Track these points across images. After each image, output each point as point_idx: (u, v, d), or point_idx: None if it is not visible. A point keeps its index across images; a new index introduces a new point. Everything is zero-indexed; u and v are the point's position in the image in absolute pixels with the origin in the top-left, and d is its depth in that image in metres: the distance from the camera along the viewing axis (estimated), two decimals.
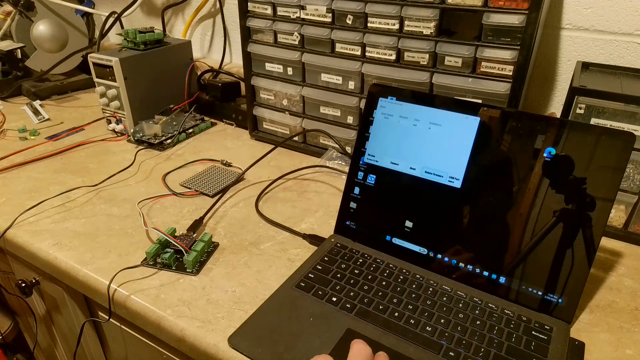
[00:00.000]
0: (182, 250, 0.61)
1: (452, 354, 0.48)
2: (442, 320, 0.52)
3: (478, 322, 0.51)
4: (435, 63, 0.73)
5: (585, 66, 0.74)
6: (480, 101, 0.71)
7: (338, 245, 0.63)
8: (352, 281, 0.57)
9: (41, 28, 1.17)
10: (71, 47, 1.22)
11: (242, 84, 1.04)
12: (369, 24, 0.76)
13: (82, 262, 0.62)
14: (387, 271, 0.59)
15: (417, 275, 0.58)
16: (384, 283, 0.57)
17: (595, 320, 0.54)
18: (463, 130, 0.57)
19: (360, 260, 0.60)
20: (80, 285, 0.61)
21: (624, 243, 0.67)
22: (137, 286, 0.57)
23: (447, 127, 0.58)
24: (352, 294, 0.55)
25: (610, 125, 0.62)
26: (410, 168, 0.60)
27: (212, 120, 1.08)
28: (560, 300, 0.52)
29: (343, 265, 0.59)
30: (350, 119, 0.85)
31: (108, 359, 0.78)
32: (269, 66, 0.90)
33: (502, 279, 0.55)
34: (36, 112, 1.07)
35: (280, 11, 0.84)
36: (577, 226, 0.51)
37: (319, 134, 0.90)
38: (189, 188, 0.79)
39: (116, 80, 0.94)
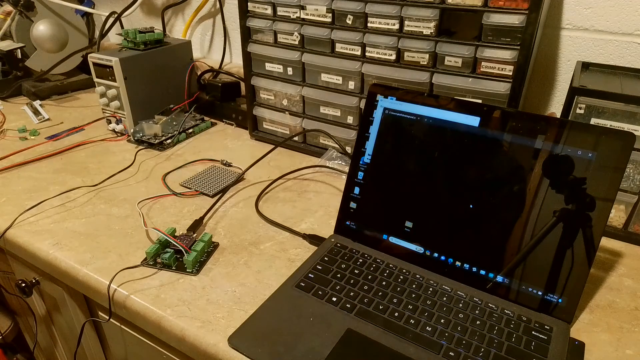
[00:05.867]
0: (182, 250, 0.61)
1: (452, 354, 0.48)
2: (442, 320, 0.52)
3: (478, 322, 0.51)
4: (435, 63, 0.73)
5: (585, 66, 0.74)
6: (480, 101, 0.71)
7: (338, 245, 0.63)
8: (352, 281, 0.57)
9: (41, 28, 1.17)
10: (71, 47, 1.22)
11: (242, 84, 1.04)
12: (369, 24, 0.76)
13: (82, 262, 0.62)
14: (387, 271, 0.59)
15: (417, 275, 0.58)
16: (384, 283, 0.57)
17: (595, 320, 0.54)
18: (463, 130, 0.57)
19: (360, 260, 0.60)
20: (80, 285, 0.61)
21: (624, 243, 0.67)
22: (137, 286, 0.57)
23: (447, 127, 0.58)
24: (352, 294, 0.55)
25: (610, 125, 0.62)
26: None
27: (212, 120, 1.08)
28: (560, 300, 0.52)
29: (343, 265, 0.59)
30: (350, 119, 0.85)
31: (108, 359, 0.78)
32: (269, 66, 0.90)
33: (502, 279, 0.55)
34: (36, 112, 1.07)
35: (280, 11, 0.84)
36: (577, 226, 0.51)
37: (319, 134, 0.90)
38: (189, 188, 0.79)
39: (116, 80, 0.94)
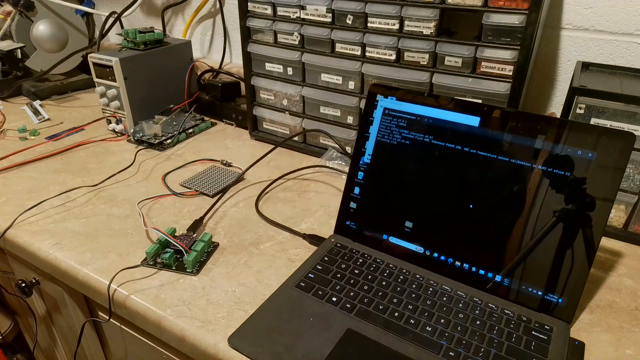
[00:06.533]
0: (182, 250, 0.61)
1: (452, 354, 0.48)
2: (442, 320, 0.52)
3: (478, 322, 0.51)
4: (435, 63, 0.73)
5: (585, 66, 0.74)
6: (480, 101, 0.71)
7: (338, 245, 0.63)
8: (352, 281, 0.57)
9: (41, 28, 1.17)
10: (71, 47, 1.22)
11: (242, 84, 1.04)
12: (369, 24, 0.76)
13: (82, 262, 0.62)
14: (387, 271, 0.59)
15: (417, 275, 0.58)
16: (384, 283, 0.57)
17: (595, 320, 0.54)
18: (463, 130, 0.57)
19: (360, 260, 0.60)
20: (80, 285, 0.61)
21: (624, 243, 0.67)
22: (137, 286, 0.57)
23: (447, 127, 0.58)
24: (352, 294, 0.55)
25: (610, 125, 0.62)
26: None
27: (212, 120, 1.08)
28: (560, 300, 0.52)
29: (343, 265, 0.59)
30: (350, 119, 0.85)
31: (108, 359, 0.78)
32: (269, 66, 0.90)
33: (502, 279, 0.55)
34: (36, 112, 1.07)
35: (280, 11, 0.84)
36: (577, 226, 0.51)
37: (319, 134, 0.90)
38: (189, 188, 0.79)
39: (116, 80, 0.94)
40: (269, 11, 0.85)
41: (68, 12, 1.20)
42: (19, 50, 1.15)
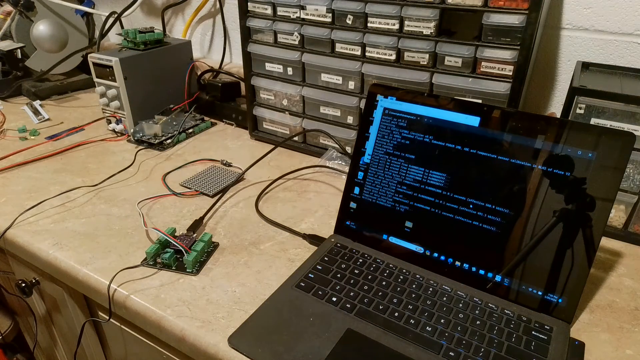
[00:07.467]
0: (182, 250, 0.61)
1: (452, 354, 0.48)
2: (442, 320, 0.52)
3: (478, 322, 0.51)
4: (435, 63, 0.73)
5: (585, 66, 0.74)
6: (480, 101, 0.71)
7: (338, 245, 0.63)
8: (352, 281, 0.57)
9: (41, 28, 1.17)
10: (71, 47, 1.22)
11: (242, 84, 1.04)
12: (369, 24, 0.76)
13: (82, 262, 0.62)
14: (387, 271, 0.59)
15: (417, 275, 0.58)
16: (384, 283, 0.57)
17: (595, 320, 0.54)
18: (463, 130, 0.57)
19: (360, 260, 0.60)
20: (80, 285, 0.61)
21: (624, 243, 0.67)
22: (137, 286, 0.57)
23: (447, 127, 0.58)
24: (352, 294, 0.55)
25: (610, 125, 0.62)
26: None
27: (212, 120, 1.08)
28: (560, 300, 0.52)
29: (343, 265, 0.59)
30: (350, 119, 0.85)
31: (108, 359, 0.78)
32: (269, 66, 0.90)
33: (502, 279, 0.55)
34: (36, 112, 1.07)
35: (280, 11, 0.84)
36: (577, 226, 0.51)
37: (319, 134, 0.90)
38: (189, 188, 0.79)
39: (116, 80, 0.94)
40: (269, 11, 0.85)
41: (68, 12, 1.20)
42: (19, 50, 1.15)
